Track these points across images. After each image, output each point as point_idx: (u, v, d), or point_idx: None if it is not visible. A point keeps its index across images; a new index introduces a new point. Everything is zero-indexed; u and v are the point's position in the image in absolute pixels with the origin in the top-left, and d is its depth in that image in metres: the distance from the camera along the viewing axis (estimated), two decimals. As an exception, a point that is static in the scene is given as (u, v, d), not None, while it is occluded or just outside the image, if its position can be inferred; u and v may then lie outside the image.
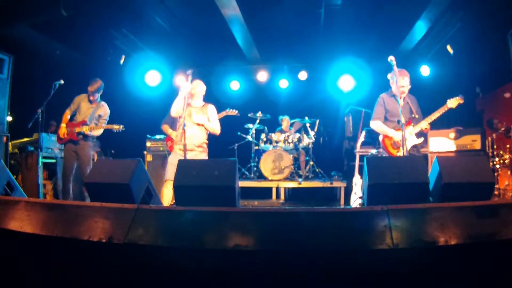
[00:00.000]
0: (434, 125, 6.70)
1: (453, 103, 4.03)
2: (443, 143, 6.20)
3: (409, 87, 4.14)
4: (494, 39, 6.11)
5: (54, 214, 2.61)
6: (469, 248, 2.12)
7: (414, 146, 4.06)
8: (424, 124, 4.03)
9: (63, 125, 5.00)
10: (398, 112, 3.81)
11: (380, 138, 4.23)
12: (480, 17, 6.03)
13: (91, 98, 5.06)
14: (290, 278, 2.22)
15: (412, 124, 4.10)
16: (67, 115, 5.08)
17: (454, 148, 6.14)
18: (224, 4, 5.83)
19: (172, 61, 8.28)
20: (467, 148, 6.10)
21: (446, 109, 4.04)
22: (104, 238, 2.36)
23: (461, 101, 4.02)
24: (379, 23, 6.97)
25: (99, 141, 7.10)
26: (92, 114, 5.03)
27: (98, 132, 5.03)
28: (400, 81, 3.96)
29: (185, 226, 2.41)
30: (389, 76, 4.12)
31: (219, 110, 6.19)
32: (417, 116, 4.08)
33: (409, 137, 4.05)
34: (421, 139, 4.08)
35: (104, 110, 5.18)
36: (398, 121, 3.76)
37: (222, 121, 5.66)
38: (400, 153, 3.99)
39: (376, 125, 4.20)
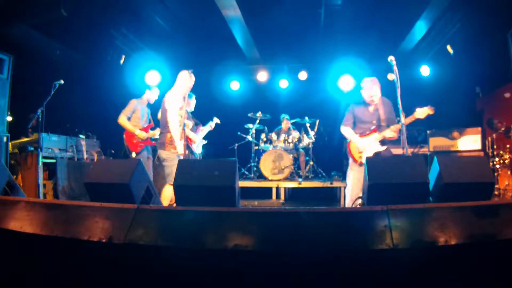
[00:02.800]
0: (434, 125, 6.72)
1: (422, 113, 3.94)
2: (443, 143, 6.21)
3: (379, 95, 4.21)
4: (494, 39, 6.11)
5: (54, 214, 2.61)
6: (469, 248, 2.12)
7: (377, 153, 4.10)
8: (388, 133, 4.06)
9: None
10: (366, 119, 4.17)
11: (346, 143, 4.41)
12: (480, 17, 6.03)
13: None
14: (290, 278, 2.22)
15: (378, 131, 4.16)
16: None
17: (454, 148, 6.14)
18: (224, 5, 5.83)
19: (172, 61, 8.28)
20: (467, 148, 6.11)
21: (413, 119, 3.98)
22: (104, 238, 2.36)
23: (431, 112, 3.92)
24: (379, 23, 6.97)
25: (99, 141, 7.11)
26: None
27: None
28: (371, 90, 4.13)
29: (185, 226, 2.41)
30: (361, 84, 4.27)
31: (218, 111, 6.14)
32: (383, 124, 4.13)
33: (373, 144, 4.13)
34: (384, 147, 4.13)
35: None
36: (371, 128, 4.11)
37: (222, 121, 5.67)
38: (362, 159, 4.10)
39: (344, 130, 4.37)
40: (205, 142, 5.43)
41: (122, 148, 5.46)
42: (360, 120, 4.27)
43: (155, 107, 5.24)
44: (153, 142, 5.10)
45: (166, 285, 2.33)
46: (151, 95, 5.38)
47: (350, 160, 4.31)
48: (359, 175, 4.09)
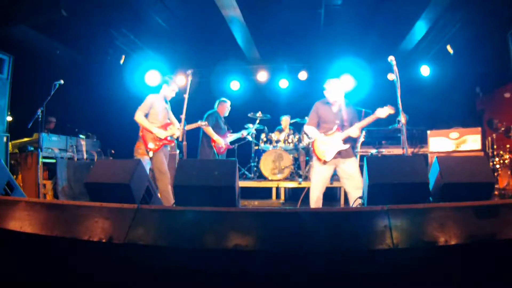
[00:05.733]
0: (434, 125, 6.72)
1: (382, 112, 4.04)
2: (443, 143, 6.21)
3: (342, 97, 4.40)
4: (494, 39, 6.11)
5: (54, 214, 2.61)
6: (469, 248, 2.12)
7: (339, 152, 4.16)
8: (353, 131, 4.14)
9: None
10: (329, 119, 4.28)
11: (311, 141, 4.43)
12: (480, 17, 6.03)
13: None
14: (290, 278, 2.22)
15: (340, 130, 4.24)
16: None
17: (454, 148, 6.14)
18: (224, 5, 5.83)
19: (172, 61, 8.28)
20: (467, 148, 6.11)
21: (374, 118, 4.09)
22: (104, 238, 2.36)
23: (392, 111, 4.01)
24: (379, 23, 6.97)
25: (99, 141, 7.11)
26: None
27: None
28: (336, 92, 4.33)
29: (185, 226, 2.41)
30: (325, 85, 4.47)
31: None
32: (346, 124, 4.25)
33: (336, 143, 4.18)
34: (348, 145, 4.18)
35: None
36: (335, 126, 4.23)
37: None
38: (325, 157, 4.13)
39: (307, 129, 4.43)
40: (231, 147, 5.67)
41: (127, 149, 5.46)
42: (324, 120, 4.36)
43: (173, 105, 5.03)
44: (172, 140, 4.77)
45: (166, 285, 2.33)
46: (168, 91, 4.87)
47: (314, 159, 4.34)
48: (324, 172, 4.19)
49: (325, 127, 4.32)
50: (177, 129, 4.78)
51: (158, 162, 4.56)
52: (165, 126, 4.74)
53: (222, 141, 6.10)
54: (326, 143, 4.21)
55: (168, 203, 4.38)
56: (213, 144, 6.12)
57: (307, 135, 4.50)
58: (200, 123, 5.34)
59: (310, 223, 2.32)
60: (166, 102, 4.89)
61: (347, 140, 4.19)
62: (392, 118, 4.25)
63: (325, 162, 4.16)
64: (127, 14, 6.72)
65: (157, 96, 4.80)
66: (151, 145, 4.60)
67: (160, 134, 4.61)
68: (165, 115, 4.81)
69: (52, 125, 6.96)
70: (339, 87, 4.39)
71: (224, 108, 6.33)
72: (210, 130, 5.97)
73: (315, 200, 4.15)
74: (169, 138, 4.70)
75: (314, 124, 4.40)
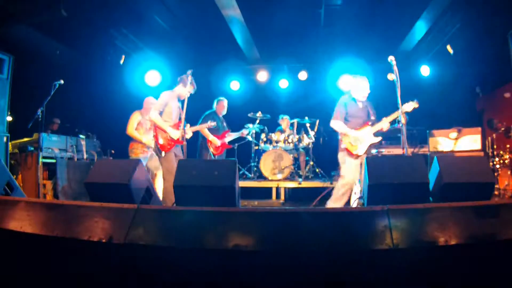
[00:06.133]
0: (434, 125, 6.72)
1: (408, 107, 4.22)
2: (443, 143, 6.21)
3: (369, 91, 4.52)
4: (494, 39, 6.11)
5: (54, 214, 2.61)
6: (469, 248, 2.12)
7: (371, 145, 4.37)
8: (384, 124, 4.31)
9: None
10: (357, 114, 4.39)
11: (339, 137, 4.51)
12: (480, 17, 6.03)
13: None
14: (290, 278, 2.22)
15: (370, 124, 4.39)
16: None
17: (454, 148, 6.14)
18: (224, 5, 5.83)
19: (172, 61, 8.28)
20: (467, 148, 6.10)
21: (402, 112, 4.19)
22: (104, 238, 2.36)
23: (417, 106, 4.22)
24: (379, 23, 6.97)
25: (99, 141, 7.10)
26: None
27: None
28: (364, 89, 4.45)
29: (185, 226, 2.41)
30: (352, 82, 4.58)
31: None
32: (373, 118, 4.43)
33: (367, 137, 4.33)
34: (379, 138, 4.37)
35: None
36: (364, 122, 4.35)
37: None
38: (358, 151, 4.27)
39: (336, 124, 4.47)
40: (230, 146, 5.69)
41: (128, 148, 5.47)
42: (351, 115, 4.44)
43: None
44: (183, 141, 4.63)
45: (166, 285, 2.33)
46: (184, 91, 4.59)
47: (344, 154, 4.39)
48: (358, 166, 4.31)
49: (354, 122, 4.42)
50: (189, 129, 4.81)
51: (168, 162, 4.44)
52: (177, 125, 4.62)
53: (218, 141, 6.10)
54: (358, 137, 4.32)
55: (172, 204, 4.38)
56: (209, 144, 6.13)
57: (335, 130, 4.56)
58: (209, 123, 5.43)
59: (310, 223, 2.32)
60: (178, 101, 4.76)
61: (376, 133, 4.35)
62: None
63: (357, 157, 4.29)
64: (127, 14, 6.71)
65: (171, 94, 4.67)
66: (163, 143, 4.49)
67: (174, 134, 4.50)
68: (178, 114, 4.69)
69: (56, 126, 6.96)
70: (367, 84, 4.49)
71: (222, 106, 6.33)
72: (205, 131, 5.98)
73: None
74: (180, 138, 4.57)
75: (342, 119, 4.45)
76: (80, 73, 7.47)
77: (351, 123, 4.42)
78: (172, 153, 4.48)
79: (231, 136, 6.52)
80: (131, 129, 5.47)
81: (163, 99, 4.56)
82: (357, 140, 4.31)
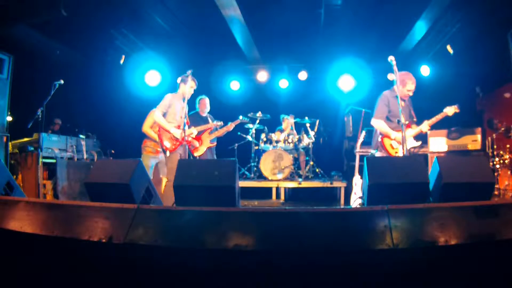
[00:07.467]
0: (434, 125, 6.72)
1: (450, 111, 4.20)
2: (443, 143, 6.21)
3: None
4: (494, 39, 6.10)
5: (54, 214, 2.61)
6: (469, 248, 2.12)
7: (413, 148, 4.16)
8: (425, 127, 4.11)
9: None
10: (398, 113, 3.78)
11: (379, 138, 4.22)
12: (480, 17, 6.03)
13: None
14: (290, 278, 2.22)
15: (412, 126, 4.16)
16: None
17: (454, 148, 6.14)
18: (224, 5, 5.83)
19: (172, 61, 8.28)
20: (467, 148, 6.11)
21: (443, 115, 4.21)
22: (104, 238, 2.36)
23: (457, 110, 4.20)
24: (379, 23, 6.97)
25: (99, 141, 7.11)
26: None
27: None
28: (410, 85, 4.12)
29: (185, 226, 2.41)
30: (395, 77, 3.98)
31: (217, 110, 6.19)
32: (415, 119, 4.18)
33: (409, 140, 4.09)
34: (419, 142, 4.16)
35: None
36: (398, 121, 3.76)
37: (221, 121, 5.70)
38: (399, 154, 4.04)
39: (378, 124, 4.17)
40: (213, 144, 5.60)
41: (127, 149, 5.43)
42: (393, 114, 4.11)
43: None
44: (188, 141, 4.70)
45: (166, 285, 2.33)
46: (186, 88, 4.62)
47: (381, 154, 4.17)
48: None
49: (394, 121, 4.07)
50: (194, 129, 4.82)
51: (172, 162, 4.43)
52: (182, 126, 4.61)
53: (179, 134, 5.21)
54: (400, 140, 3.94)
55: None
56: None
57: (376, 131, 4.27)
58: (216, 123, 5.37)
59: (310, 223, 2.32)
60: (183, 101, 4.70)
61: (417, 136, 4.16)
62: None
63: None
64: (127, 14, 6.72)
65: (175, 96, 4.73)
66: (167, 144, 4.52)
67: (177, 135, 4.53)
68: (182, 115, 4.66)
69: (57, 127, 6.96)
70: (413, 83, 4.15)
71: (204, 105, 5.89)
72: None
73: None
74: (185, 138, 4.57)
75: (384, 118, 4.15)
76: (80, 73, 7.47)
77: (391, 123, 4.12)
78: (178, 153, 4.51)
79: (216, 134, 5.90)
80: (147, 126, 5.47)
81: (167, 100, 4.62)
82: (398, 143, 4.07)
